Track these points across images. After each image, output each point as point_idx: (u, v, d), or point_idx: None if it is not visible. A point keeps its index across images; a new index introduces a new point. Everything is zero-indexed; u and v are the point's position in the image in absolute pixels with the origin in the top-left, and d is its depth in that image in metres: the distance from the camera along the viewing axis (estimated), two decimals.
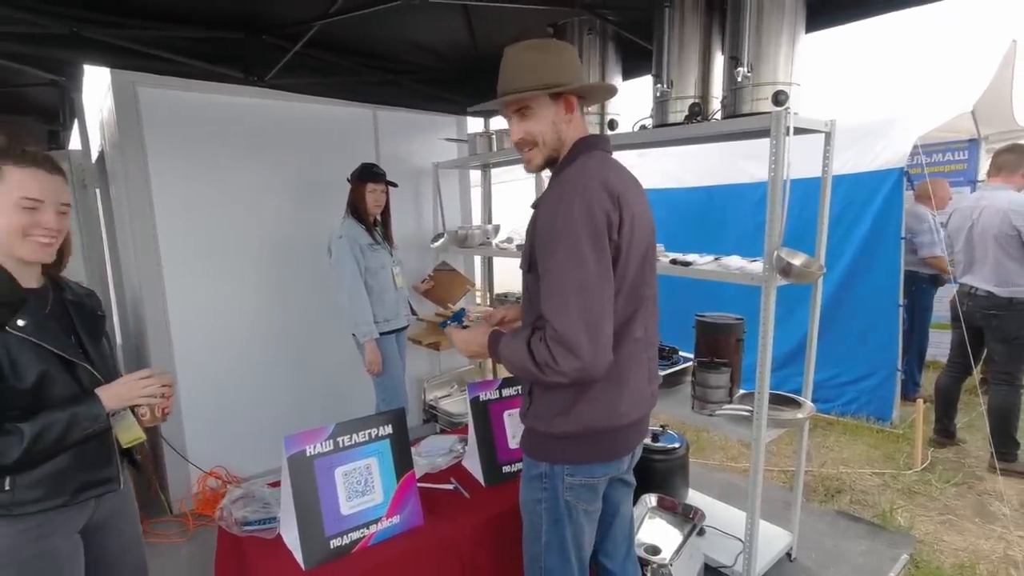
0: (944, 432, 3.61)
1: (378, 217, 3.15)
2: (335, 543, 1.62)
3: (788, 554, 2.53)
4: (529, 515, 1.53)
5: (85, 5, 2.20)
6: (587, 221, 1.27)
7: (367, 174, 3.03)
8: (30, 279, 1.31)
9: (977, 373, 3.45)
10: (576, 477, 1.43)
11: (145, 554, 1.58)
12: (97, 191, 3.75)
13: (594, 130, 2.67)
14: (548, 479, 1.46)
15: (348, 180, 3.06)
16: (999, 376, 3.32)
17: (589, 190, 1.30)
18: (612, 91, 1.73)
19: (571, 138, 1.43)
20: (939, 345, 4.83)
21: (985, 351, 3.48)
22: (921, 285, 4.19)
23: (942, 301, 4.38)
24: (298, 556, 1.59)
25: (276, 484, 1.85)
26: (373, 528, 1.69)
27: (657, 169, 5.12)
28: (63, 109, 3.69)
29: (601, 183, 1.32)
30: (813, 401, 2.33)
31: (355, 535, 1.66)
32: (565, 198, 1.30)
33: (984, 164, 5.18)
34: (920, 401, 3.48)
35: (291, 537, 1.64)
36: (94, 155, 3.63)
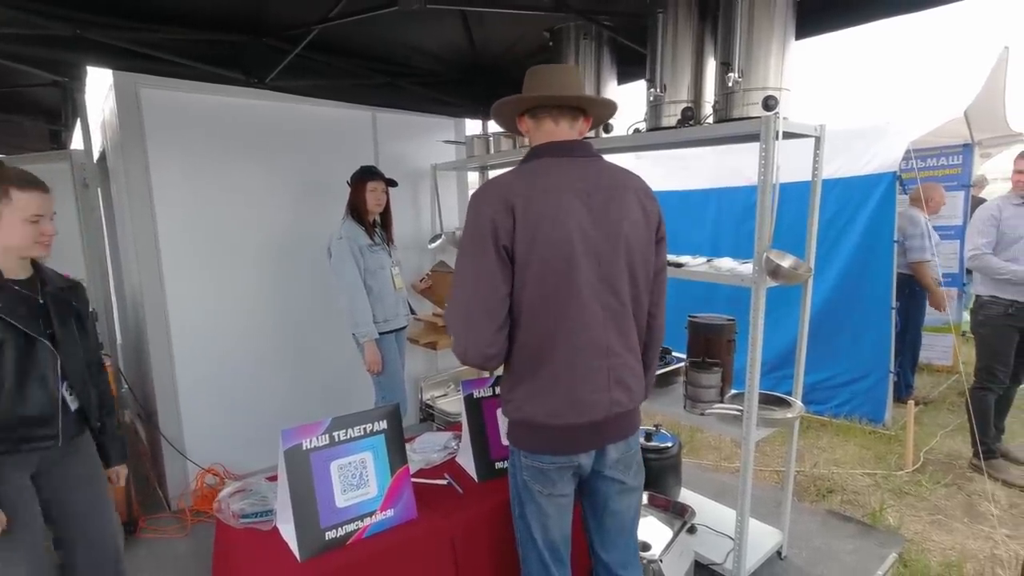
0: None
1: (378, 218, 3.19)
2: (330, 535, 1.65)
3: (778, 552, 2.56)
4: (510, 491, 1.65)
5: (89, 8, 2.24)
6: (473, 225, 1.42)
7: (366, 173, 3.07)
8: (21, 271, 1.67)
9: (968, 377, 3.44)
10: (529, 459, 1.54)
11: (104, 492, 1.88)
12: (98, 190, 3.79)
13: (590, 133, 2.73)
14: (513, 457, 1.60)
15: (348, 183, 3.09)
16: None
17: (481, 197, 1.44)
18: (554, 99, 1.50)
19: (534, 144, 1.55)
20: (931, 348, 4.88)
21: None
22: (914, 288, 4.22)
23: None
24: (294, 548, 1.62)
25: (274, 478, 1.88)
26: (367, 521, 1.72)
27: (653, 172, 5.16)
28: (65, 109, 3.72)
29: (499, 191, 1.42)
30: (806, 403, 2.36)
31: (350, 527, 1.69)
32: (469, 204, 1.46)
33: (977, 168, 5.22)
34: (912, 403, 3.51)
35: (287, 529, 1.67)
36: (95, 154, 3.66)
